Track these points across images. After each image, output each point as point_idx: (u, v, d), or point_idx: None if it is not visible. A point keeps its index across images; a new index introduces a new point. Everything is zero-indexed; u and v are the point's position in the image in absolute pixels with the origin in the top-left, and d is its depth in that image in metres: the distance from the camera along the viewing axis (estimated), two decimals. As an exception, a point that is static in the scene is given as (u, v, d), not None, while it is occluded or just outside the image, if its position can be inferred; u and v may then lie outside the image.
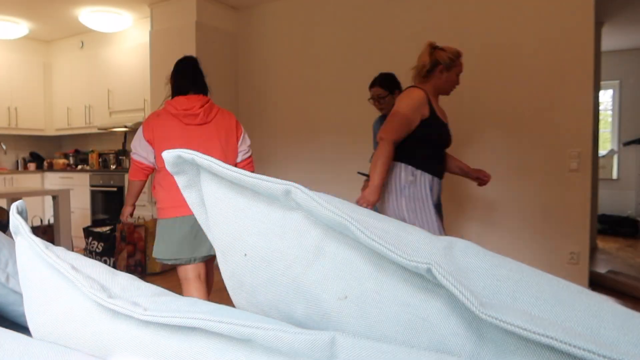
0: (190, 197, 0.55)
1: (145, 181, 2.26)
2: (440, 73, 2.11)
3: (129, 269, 3.87)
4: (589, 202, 2.99)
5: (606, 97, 6.57)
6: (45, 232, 3.89)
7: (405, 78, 3.64)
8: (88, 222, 5.11)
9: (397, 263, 0.40)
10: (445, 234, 2.53)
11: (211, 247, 2.18)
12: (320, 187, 4.14)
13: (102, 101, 5.49)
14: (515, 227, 3.25)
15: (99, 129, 5.46)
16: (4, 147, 5.89)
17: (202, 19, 4.25)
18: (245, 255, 0.47)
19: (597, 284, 3.41)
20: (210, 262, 2.36)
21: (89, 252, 4.09)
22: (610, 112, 6.60)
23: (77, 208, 5.25)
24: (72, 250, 0.73)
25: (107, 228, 4.16)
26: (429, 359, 0.33)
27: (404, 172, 2.08)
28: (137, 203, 4.80)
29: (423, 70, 2.13)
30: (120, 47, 5.30)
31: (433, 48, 2.13)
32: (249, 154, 2.33)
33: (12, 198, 3.72)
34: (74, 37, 5.82)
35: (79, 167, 5.82)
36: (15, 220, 0.58)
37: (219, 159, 2.11)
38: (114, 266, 3.89)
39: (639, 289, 3.19)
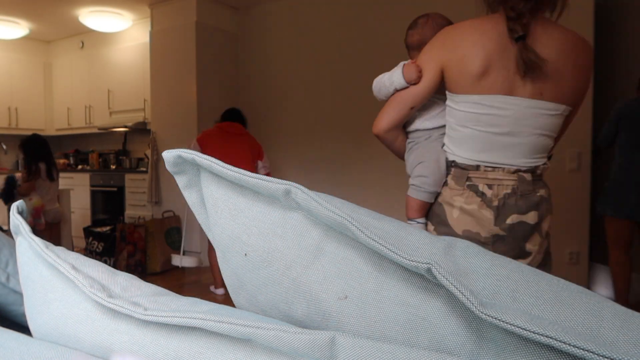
0: (190, 197, 0.55)
1: None
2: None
3: (129, 269, 3.87)
4: (589, 202, 2.99)
5: (606, 97, 6.57)
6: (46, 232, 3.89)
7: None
8: (88, 222, 5.11)
9: (397, 263, 0.40)
10: None
11: None
12: (321, 188, 4.14)
13: (102, 101, 5.49)
14: (515, 227, 3.24)
15: (99, 129, 5.46)
16: (4, 147, 5.89)
17: (202, 19, 4.25)
18: (246, 255, 0.48)
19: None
20: None
21: (89, 252, 4.09)
22: (610, 112, 6.60)
23: (77, 208, 5.25)
24: (72, 250, 0.73)
25: (107, 228, 4.16)
26: (428, 359, 0.33)
27: None
28: (136, 203, 4.80)
29: None
30: (120, 47, 5.30)
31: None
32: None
33: (12, 198, 3.72)
34: (74, 37, 5.82)
35: (79, 167, 5.82)
36: (15, 220, 0.58)
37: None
38: (114, 266, 3.89)
39: None
